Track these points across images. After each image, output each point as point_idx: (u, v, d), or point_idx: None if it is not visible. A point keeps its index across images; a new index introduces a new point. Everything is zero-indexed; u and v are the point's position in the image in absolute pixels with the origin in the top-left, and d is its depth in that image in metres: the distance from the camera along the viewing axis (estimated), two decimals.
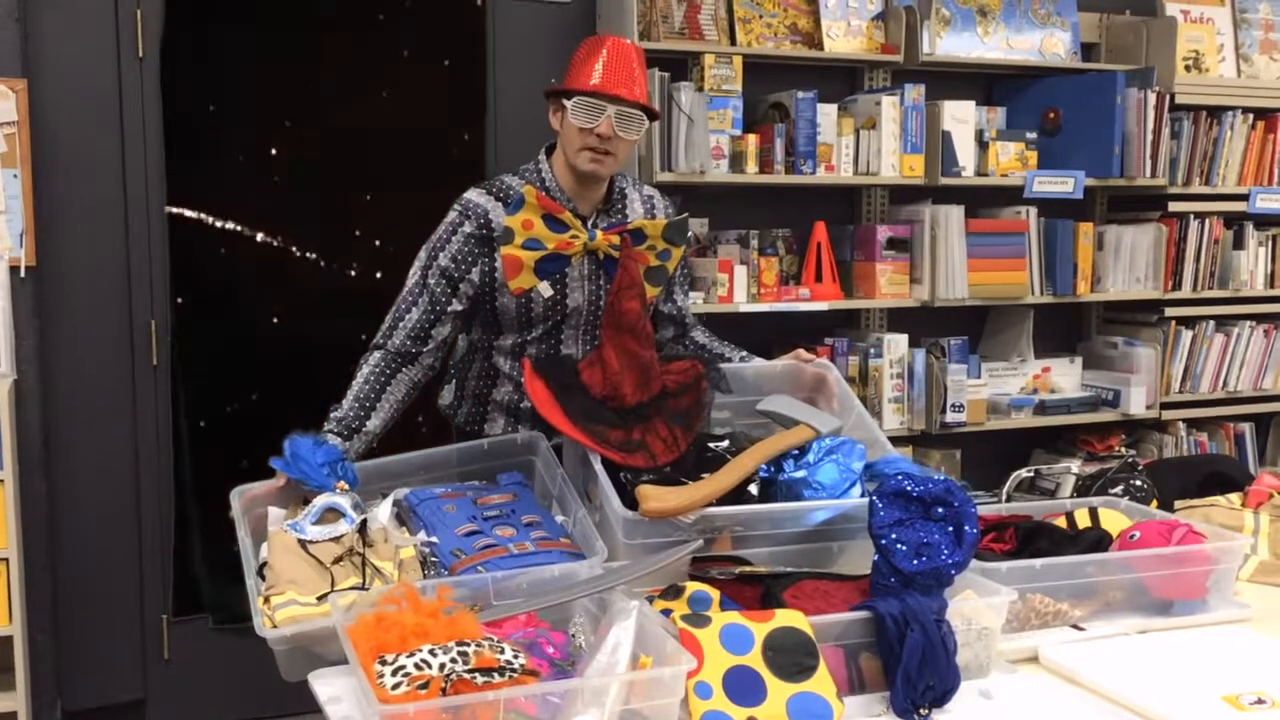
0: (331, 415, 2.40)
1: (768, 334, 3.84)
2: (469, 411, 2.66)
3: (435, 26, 3.93)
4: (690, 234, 2.66)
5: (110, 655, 3.73)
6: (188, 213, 3.73)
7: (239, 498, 2.19)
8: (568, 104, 2.44)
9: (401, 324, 2.49)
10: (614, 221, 2.56)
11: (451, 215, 2.54)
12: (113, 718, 3.76)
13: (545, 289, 2.49)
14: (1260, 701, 1.77)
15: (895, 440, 4.00)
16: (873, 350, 4.05)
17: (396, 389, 2.46)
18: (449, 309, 2.50)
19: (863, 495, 2.15)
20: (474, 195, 2.54)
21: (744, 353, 2.71)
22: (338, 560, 1.94)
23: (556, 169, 2.54)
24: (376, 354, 2.48)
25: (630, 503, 2.07)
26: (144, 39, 3.60)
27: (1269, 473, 2.93)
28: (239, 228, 3.83)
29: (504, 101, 3.95)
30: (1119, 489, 2.58)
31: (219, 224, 3.81)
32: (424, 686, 1.52)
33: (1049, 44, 4.35)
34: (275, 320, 3.89)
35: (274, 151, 3.84)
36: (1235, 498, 2.65)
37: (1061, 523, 2.32)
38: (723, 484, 2.11)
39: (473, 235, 2.50)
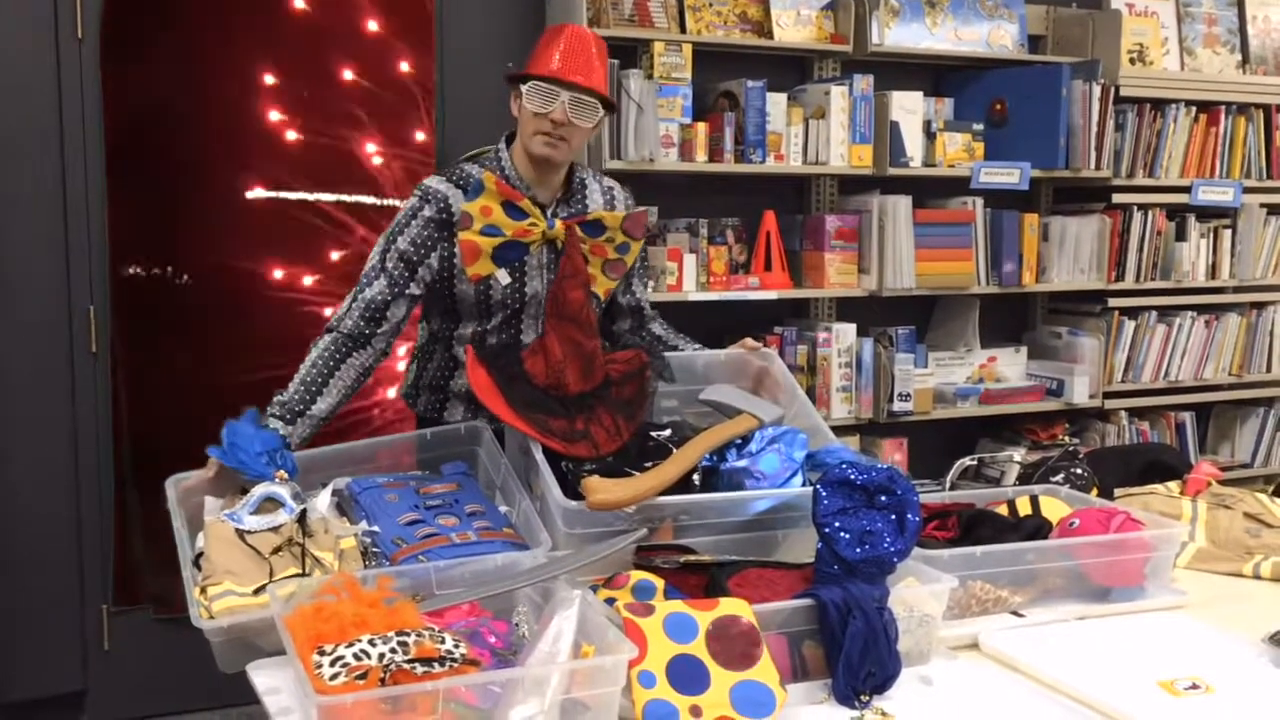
0: (275, 399, 2.37)
1: (717, 323, 3.84)
2: (428, 400, 2.65)
3: (384, 11, 3.89)
4: (646, 229, 2.66)
5: (50, 646, 3.67)
6: (129, 196, 3.67)
7: (174, 487, 2.16)
8: (524, 88, 2.45)
9: (356, 303, 2.47)
10: (573, 211, 2.56)
11: (411, 200, 2.53)
12: (52, 709, 3.70)
13: (503, 276, 2.49)
14: (1194, 687, 1.80)
15: (843, 429, 4.03)
16: (821, 340, 4.07)
17: (346, 373, 2.43)
18: (406, 291, 2.49)
19: (804, 484, 2.15)
20: (434, 182, 2.54)
21: (699, 346, 2.72)
22: (276, 550, 1.92)
23: (515, 157, 2.54)
24: (327, 337, 2.46)
25: (572, 492, 2.06)
26: (83, 19, 3.52)
27: (1207, 461, 2.98)
28: (182, 213, 3.77)
29: (453, 89, 3.91)
30: (1060, 477, 2.61)
31: (161, 208, 3.75)
32: (362, 677, 1.51)
33: (996, 36, 4.38)
34: (219, 307, 3.84)
35: (219, 136, 3.78)
36: (1174, 486, 2.68)
37: (1003, 510, 2.34)
38: (668, 475, 2.11)
39: (433, 220, 2.49)
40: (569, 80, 2.42)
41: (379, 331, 2.47)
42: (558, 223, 2.50)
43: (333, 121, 3.86)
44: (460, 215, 2.46)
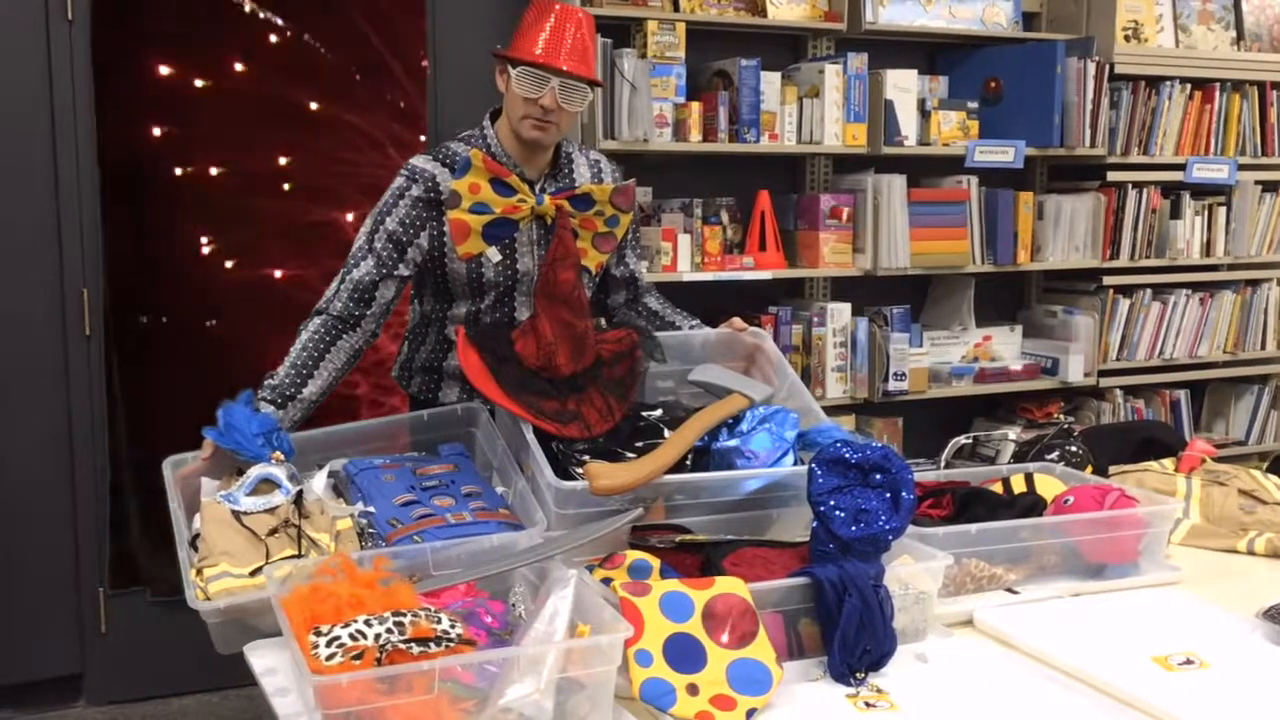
0: (265, 383, 2.35)
1: (712, 303, 3.83)
2: (422, 381, 2.65)
3: None
4: (635, 202, 2.65)
5: (46, 629, 3.67)
6: (121, 177, 3.65)
7: (171, 468, 2.15)
8: (513, 72, 2.42)
9: (344, 285, 2.45)
10: (561, 186, 2.55)
11: (398, 180, 2.51)
12: (50, 692, 3.71)
13: (494, 254, 2.48)
14: (1189, 662, 1.81)
15: (838, 409, 4.03)
16: (816, 319, 4.06)
17: (336, 356, 2.41)
18: (395, 272, 2.47)
19: (795, 464, 2.16)
20: (420, 161, 2.52)
21: (695, 320, 2.70)
22: (273, 532, 1.91)
23: (501, 134, 2.52)
24: (317, 320, 2.44)
25: (564, 474, 2.06)
26: (73, 0, 3.50)
27: (1201, 438, 2.98)
28: (176, 193, 3.75)
29: (444, 65, 3.89)
30: (1055, 455, 2.61)
31: (154, 189, 3.74)
32: (358, 657, 1.51)
33: (990, 13, 4.37)
34: (214, 288, 3.83)
35: (210, 114, 3.76)
36: (1168, 463, 2.69)
37: (998, 488, 2.34)
38: (667, 458, 2.10)
39: (420, 199, 2.47)
40: (559, 67, 2.40)
41: (368, 313, 2.46)
42: (546, 198, 2.49)
43: (328, 98, 3.84)
44: (448, 194, 2.45)
